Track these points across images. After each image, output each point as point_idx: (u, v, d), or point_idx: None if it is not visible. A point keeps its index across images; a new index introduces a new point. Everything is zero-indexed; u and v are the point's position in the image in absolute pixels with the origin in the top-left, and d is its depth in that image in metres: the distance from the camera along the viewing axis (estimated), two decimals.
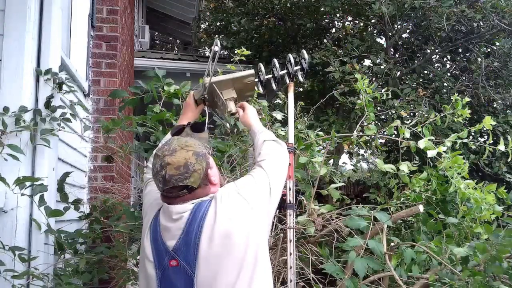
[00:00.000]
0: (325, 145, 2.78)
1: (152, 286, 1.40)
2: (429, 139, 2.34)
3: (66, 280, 2.06)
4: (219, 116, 2.42)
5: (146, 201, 1.60)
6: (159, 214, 1.46)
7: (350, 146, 6.25)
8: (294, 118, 2.66)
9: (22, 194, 2.01)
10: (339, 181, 2.63)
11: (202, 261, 1.32)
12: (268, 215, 1.48)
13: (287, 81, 2.10)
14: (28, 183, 2.01)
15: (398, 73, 6.70)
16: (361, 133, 2.64)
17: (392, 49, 7.04)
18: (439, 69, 6.83)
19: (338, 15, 7.47)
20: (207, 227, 1.34)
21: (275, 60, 2.08)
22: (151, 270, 1.40)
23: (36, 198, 2.11)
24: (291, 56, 2.06)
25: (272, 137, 1.72)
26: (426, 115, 5.30)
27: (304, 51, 2.06)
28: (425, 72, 6.85)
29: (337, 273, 2.02)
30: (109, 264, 2.46)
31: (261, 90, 2.10)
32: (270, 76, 2.09)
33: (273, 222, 2.38)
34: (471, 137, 4.06)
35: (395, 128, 2.58)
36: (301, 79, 2.09)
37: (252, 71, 1.97)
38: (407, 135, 2.45)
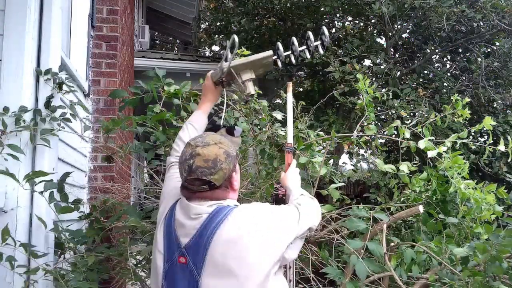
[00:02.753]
0: (325, 145, 2.78)
1: (158, 278, 1.41)
2: (429, 139, 2.34)
3: (78, 278, 2.03)
4: (238, 96, 2.37)
5: (167, 185, 1.60)
6: (175, 206, 1.45)
7: (350, 146, 6.25)
8: (295, 118, 2.66)
9: (32, 191, 2.01)
10: (339, 181, 2.62)
11: (209, 266, 1.31)
12: (280, 254, 1.41)
13: (308, 56, 2.06)
14: (29, 183, 2.01)
15: (398, 73, 6.71)
16: (361, 133, 2.63)
17: (392, 49, 7.04)
18: (439, 69, 6.84)
19: (338, 15, 7.48)
20: (220, 234, 1.32)
21: (294, 38, 2.04)
22: (159, 262, 1.41)
23: (36, 197, 2.12)
24: (310, 33, 2.01)
25: (308, 195, 1.70)
26: (426, 115, 5.31)
27: (324, 27, 2.02)
28: (425, 72, 6.86)
29: (338, 277, 2.02)
30: (109, 264, 2.46)
31: (280, 66, 2.06)
32: (289, 52, 2.02)
33: None
34: (471, 137, 4.07)
35: (395, 128, 2.58)
36: (321, 51, 2.05)
37: (270, 52, 1.93)
38: (407, 135, 2.45)
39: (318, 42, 2.02)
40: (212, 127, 1.64)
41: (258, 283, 1.31)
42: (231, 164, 1.41)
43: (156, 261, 1.42)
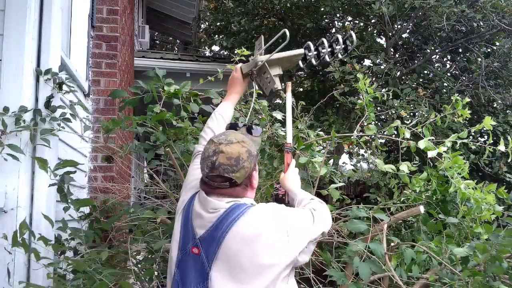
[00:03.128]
0: (325, 145, 2.78)
1: (172, 266, 1.44)
2: (429, 139, 2.34)
3: (99, 271, 2.01)
4: (262, 91, 2.41)
5: (190, 175, 1.63)
6: (194, 197, 1.48)
7: (350, 146, 6.25)
8: (295, 118, 2.66)
9: (32, 191, 2.03)
10: (339, 181, 2.62)
11: (220, 259, 1.33)
12: (293, 257, 1.39)
13: (327, 59, 2.07)
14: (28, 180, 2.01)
15: (398, 73, 6.71)
16: (361, 133, 2.63)
17: (392, 49, 7.05)
18: (439, 69, 6.84)
19: (338, 15, 7.48)
20: (236, 231, 1.33)
21: (324, 40, 2.05)
22: (174, 251, 1.44)
23: (37, 197, 2.12)
24: (339, 36, 2.03)
25: (318, 199, 1.69)
26: (426, 115, 5.31)
27: (352, 32, 2.02)
28: (425, 72, 6.86)
29: (342, 280, 2.02)
30: (109, 264, 2.45)
31: (301, 65, 2.08)
32: (315, 53, 2.05)
33: None
34: (471, 137, 4.07)
35: (395, 128, 2.58)
36: (340, 56, 2.07)
37: (302, 51, 1.98)
38: (407, 135, 2.45)
39: (342, 46, 2.03)
40: (232, 125, 1.65)
41: (266, 284, 1.32)
42: (252, 163, 1.42)
43: (172, 249, 1.46)
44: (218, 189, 1.40)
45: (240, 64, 1.95)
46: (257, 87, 2.00)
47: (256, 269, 1.32)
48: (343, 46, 2.02)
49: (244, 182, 1.42)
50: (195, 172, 1.61)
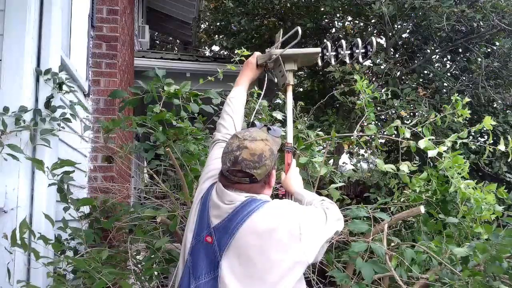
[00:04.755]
0: (325, 145, 2.78)
1: (185, 252, 1.46)
2: (429, 139, 2.34)
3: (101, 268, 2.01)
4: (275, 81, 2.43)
5: (210, 164, 1.64)
6: (212, 187, 1.50)
7: (350, 146, 6.25)
8: (295, 118, 2.66)
9: (32, 191, 2.03)
10: (339, 181, 2.62)
11: (232, 250, 1.35)
12: (303, 255, 1.39)
13: (347, 61, 2.10)
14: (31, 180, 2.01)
15: (398, 73, 6.71)
16: (361, 133, 2.63)
17: (392, 49, 7.05)
18: (439, 69, 6.84)
19: (338, 15, 7.48)
20: (249, 224, 1.35)
21: (343, 41, 2.07)
22: (189, 239, 1.46)
23: (36, 197, 2.12)
24: (359, 40, 2.05)
25: (328, 200, 1.69)
26: (426, 115, 5.31)
27: (373, 38, 2.04)
28: (425, 72, 6.86)
29: (345, 281, 2.02)
30: (109, 263, 2.45)
31: (319, 63, 2.11)
32: (334, 53, 2.08)
33: None
34: (471, 137, 4.07)
35: (395, 128, 2.58)
36: (360, 60, 2.09)
37: (318, 50, 2.02)
38: (407, 135, 2.45)
39: (363, 50, 2.05)
40: (251, 125, 1.66)
41: (275, 279, 1.33)
42: (273, 162, 1.45)
43: (186, 237, 1.48)
44: (238, 184, 1.42)
45: (258, 53, 1.98)
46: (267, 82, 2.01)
47: (266, 264, 1.33)
48: (363, 50, 2.04)
49: (263, 180, 1.44)
50: (214, 162, 1.63)
